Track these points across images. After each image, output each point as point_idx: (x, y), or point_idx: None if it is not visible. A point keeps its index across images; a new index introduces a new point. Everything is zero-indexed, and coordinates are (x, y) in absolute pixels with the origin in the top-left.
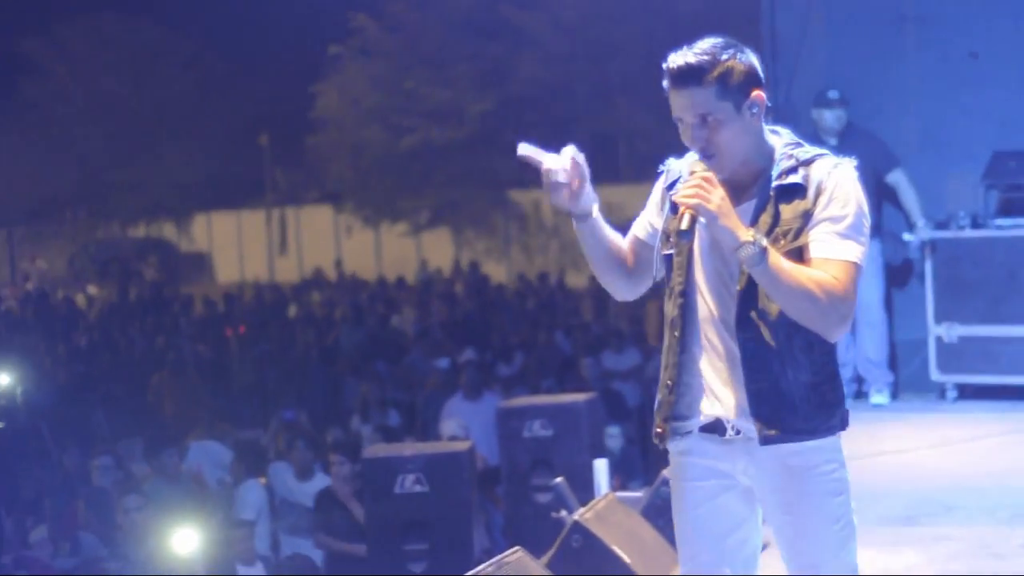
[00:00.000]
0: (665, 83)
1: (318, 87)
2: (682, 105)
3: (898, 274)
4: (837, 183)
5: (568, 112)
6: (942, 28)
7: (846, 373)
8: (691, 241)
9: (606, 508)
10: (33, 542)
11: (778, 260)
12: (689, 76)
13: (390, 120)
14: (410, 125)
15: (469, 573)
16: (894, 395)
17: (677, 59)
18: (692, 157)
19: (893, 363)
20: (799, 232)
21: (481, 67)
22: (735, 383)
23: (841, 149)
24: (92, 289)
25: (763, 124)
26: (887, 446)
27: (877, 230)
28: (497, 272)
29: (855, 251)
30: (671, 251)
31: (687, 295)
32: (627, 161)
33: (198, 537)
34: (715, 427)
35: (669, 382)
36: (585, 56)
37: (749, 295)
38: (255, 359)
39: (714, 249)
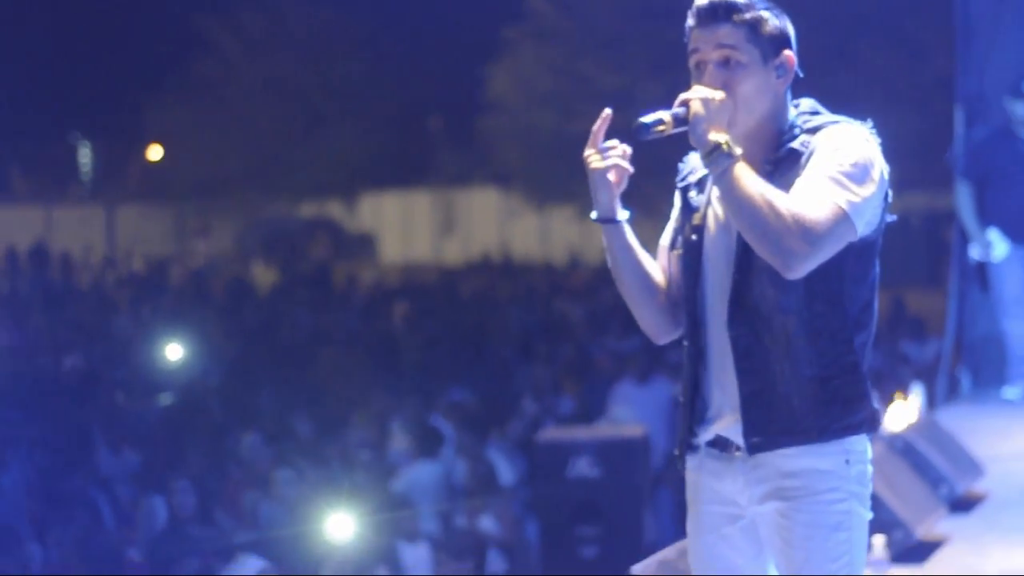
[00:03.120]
0: (689, 22)
1: (490, 69)
2: (706, 40)
3: None
4: (831, 137)
5: None
6: None
7: None
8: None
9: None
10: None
11: (745, 169)
12: (721, 11)
13: (562, 104)
14: (582, 109)
15: (651, 557)
16: None
17: None
18: None
19: None
20: None
21: (655, 50)
22: (734, 392)
23: None
24: (259, 267)
25: (787, 94)
26: None
27: None
28: None
29: (842, 195)
30: (679, 251)
31: (696, 301)
32: None
33: (353, 522)
34: (718, 443)
35: (681, 398)
36: None
37: (743, 283)
38: (422, 339)
39: (718, 245)
